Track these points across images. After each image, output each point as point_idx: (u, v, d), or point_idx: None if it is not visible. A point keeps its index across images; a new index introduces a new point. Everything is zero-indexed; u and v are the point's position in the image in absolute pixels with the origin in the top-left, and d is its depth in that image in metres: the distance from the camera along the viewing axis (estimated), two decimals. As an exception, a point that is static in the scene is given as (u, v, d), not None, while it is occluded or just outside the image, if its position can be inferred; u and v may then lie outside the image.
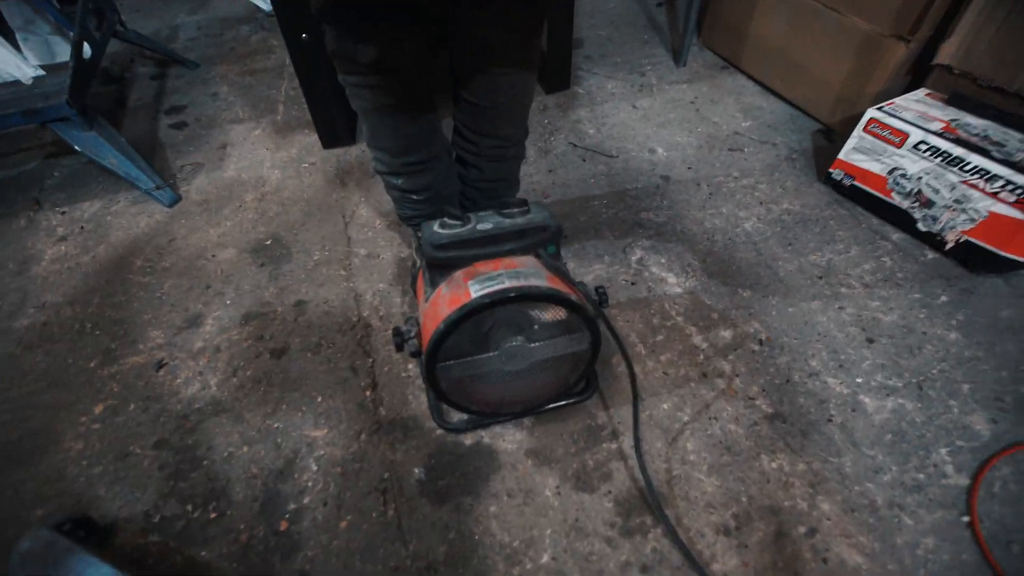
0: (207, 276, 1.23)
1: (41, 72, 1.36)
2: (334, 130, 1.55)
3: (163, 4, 2.33)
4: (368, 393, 0.99)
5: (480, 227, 0.77)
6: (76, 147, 1.31)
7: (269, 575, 0.79)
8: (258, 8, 2.19)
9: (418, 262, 1.10)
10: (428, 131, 0.94)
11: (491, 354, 0.79)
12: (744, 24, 1.77)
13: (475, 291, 0.72)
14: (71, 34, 1.54)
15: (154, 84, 1.86)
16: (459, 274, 0.77)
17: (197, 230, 1.34)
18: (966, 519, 0.79)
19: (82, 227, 1.37)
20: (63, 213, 1.41)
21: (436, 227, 0.78)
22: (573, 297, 0.75)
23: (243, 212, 1.38)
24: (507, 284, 0.72)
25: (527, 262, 0.78)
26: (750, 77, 1.82)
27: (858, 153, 1.30)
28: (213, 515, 0.86)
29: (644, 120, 1.64)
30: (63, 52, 1.62)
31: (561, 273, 0.78)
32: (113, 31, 1.62)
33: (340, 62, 0.82)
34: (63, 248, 1.32)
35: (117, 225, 1.37)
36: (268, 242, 1.30)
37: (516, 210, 0.80)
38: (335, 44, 0.79)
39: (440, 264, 0.78)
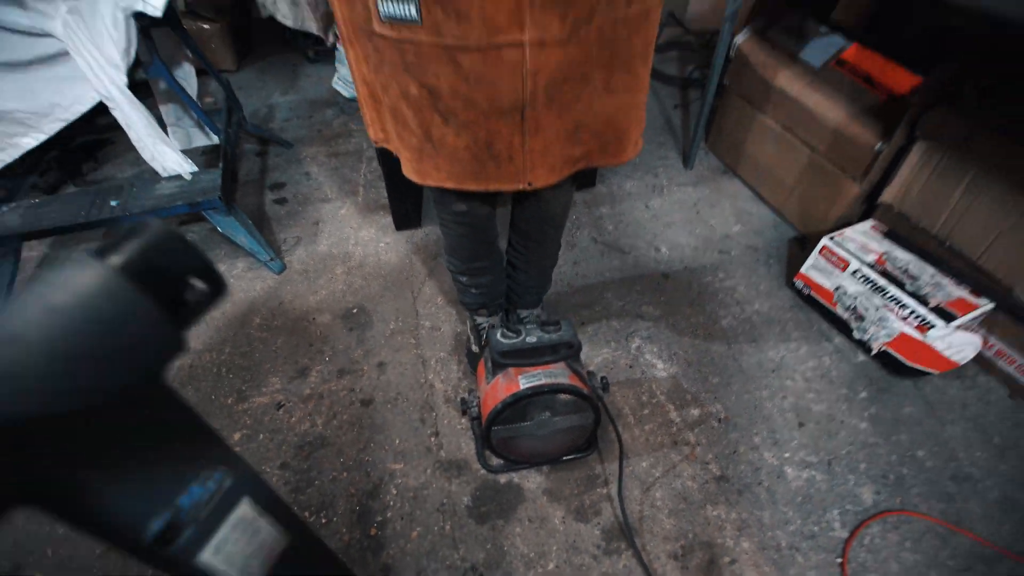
0: (310, 336, 1.65)
1: (195, 167, 1.81)
2: (406, 214, 1.97)
3: (260, 84, 2.81)
4: (432, 439, 1.39)
5: (528, 340, 1.17)
6: (219, 228, 1.75)
7: (364, 567, 1.18)
8: (339, 93, 2.64)
9: (471, 339, 1.51)
10: (492, 248, 1.34)
11: (527, 423, 1.17)
12: (741, 139, 2.15)
13: (523, 384, 1.12)
14: (207, 129, 2.01)
15: (258, 161, 2.31)
16: (512, 370, 1.16)
17: (300, 296, 1.76)
18: (839, 560, 1.15)
19: (213, 286, 1.80)
20: (197, 273, 1.84)
21: (499, 336, 1.18)
22: (585, 391, 1.14)
23: (335, 283, 1.80)
24: (543, 381, 1.12)
25: (558, 365, 1.17)
26: (745, 183, 2.20)
27: (814, 270, 1.67)
28: (324, 521, 1.25)
29: (654, 220, 2.03)
30: (198, 138, 2.08)
31: (578, 373, 1.16)
32: (240, 127, 2.07)
33: (437, 207, 1.22)
34: (200, 303, 1.75)
35: (239, 287, 1.80)
36: (355, 310, 1.71)
37: (552, 327, 1.19)
38: (436, 195, 1.18)
39: (500, 365, 1.17)
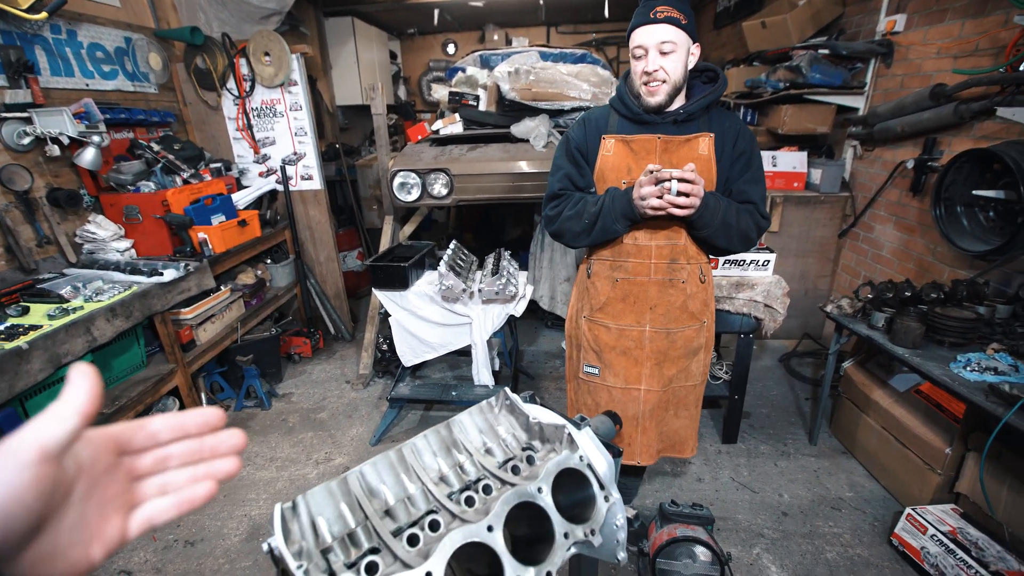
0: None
1: (493, 381, 3.18)
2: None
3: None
4: (615, 570, 2.22)
5: (684, 510, 2.07)
6: (499, 419, 3.02)
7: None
8: (564, 349, 4.07)
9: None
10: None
11: (677, 563, 2.00)
12: (853, 431, 2.94)
13: (679, 533, 2.00)
14: (505, 360, 3.45)
15: (511, 384, 3.69)
16: (674, 526, 2.05)
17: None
18: None
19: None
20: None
21: (668, 505, 2.10)
22: (715, 547, 1.97)
23: (557, 467, 2.87)
24: (691, 534, 1.99)
25: (699, 528, 2.03)
26: (861, 463, 2.90)
27: (905, 532, 2.29)
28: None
29: (780, 475, 2.82)
30: (495, 364, 3.53)
31: (713, 539, 2.00)
32: (517, 363, 3.52)
33: None
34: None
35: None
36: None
37: (699, 507, 2.08)
38: None
39: (668, 519, 2.07)
